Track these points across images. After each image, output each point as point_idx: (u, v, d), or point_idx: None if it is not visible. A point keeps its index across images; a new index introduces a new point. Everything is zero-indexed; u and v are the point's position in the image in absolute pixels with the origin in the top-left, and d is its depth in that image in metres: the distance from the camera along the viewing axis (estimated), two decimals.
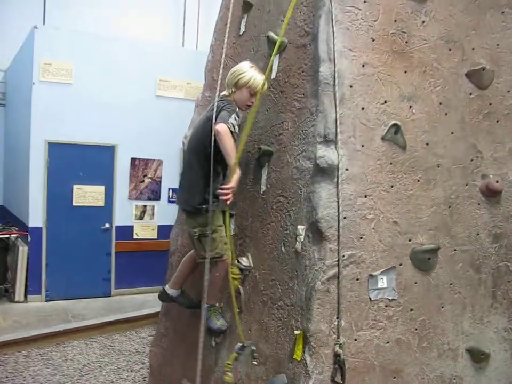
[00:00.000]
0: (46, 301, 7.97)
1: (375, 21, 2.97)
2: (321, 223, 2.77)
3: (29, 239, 7.92)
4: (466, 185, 3.15)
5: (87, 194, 8.23)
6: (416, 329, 2.95)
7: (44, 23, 9.55)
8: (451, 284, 3.07)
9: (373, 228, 2.86)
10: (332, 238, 2.77)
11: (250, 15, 3.86)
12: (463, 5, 3.20)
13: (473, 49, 3.22)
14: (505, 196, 3.25)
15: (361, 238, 2.83)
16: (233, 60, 3.90)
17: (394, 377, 2.87)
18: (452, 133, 3.12)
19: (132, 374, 5.45)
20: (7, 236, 8.11)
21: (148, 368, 5.17)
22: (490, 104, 3.25)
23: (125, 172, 8.52)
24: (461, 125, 3.15)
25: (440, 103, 3.10)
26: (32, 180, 7.86)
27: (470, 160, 3.18)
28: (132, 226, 8.67)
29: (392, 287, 2.89)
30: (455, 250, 3.09)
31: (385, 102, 2.95)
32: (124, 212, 8.56)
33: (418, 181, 3.01)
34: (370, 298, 2.84)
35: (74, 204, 8.15)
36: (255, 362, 3.17)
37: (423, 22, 3.09)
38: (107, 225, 8.42)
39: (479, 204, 3.19)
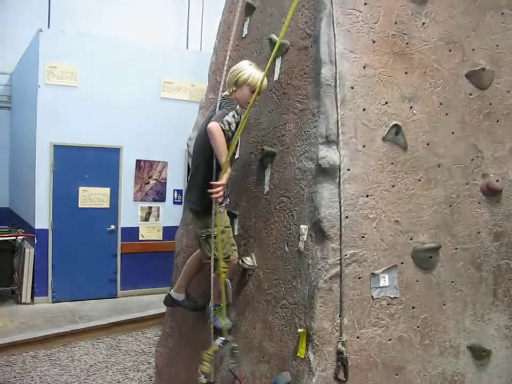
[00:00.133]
0: (53, 302, 8.04)
1: (375, 23, 3.02)
2: (323, 222, 2.81)
3: (35, 241, 7.99)
4: (467, 184, 3.19)
5: (92, 196, 8.29)
6: (418, 327, 2.98)
7: (48, 26, 9.62)
8: (452, 282, 3.11)
9: (375, 227, 2.90)
10: (334, 237, 2.81)
11: (253, 17, 3.91)
12: (463, 6, 3.24)
13: (473, 50, 3.25)
14: (506, 194, 3.28)
15: (363, 237, 2.87)
16: (236, 62, 3.94)
17: (397, 374, 2.91)
18: (453, 133, 3.16)
19: (138, 374, 5.50)
20: (14, 238, 8.16)
21: (154, 368, 5.22)
22: (490, 104, 3.28)
23: (130, 174, 8.59)
24: (461, 125, 3.19)
25: (441, 104, 3.14)
26: (38, 182, 7.93)
27: (471, 159, 3.21)
28: (138, 228, 8.73)
29: (394, 286, 2.93)
30: (456, 248, 3.13)
31: (386, 103, 2.99)
32: (129, 214, 8.62)
33: (419, 180, 3.04)
34: (372, 297, 2.88)
35: (80, 205, 8.22)
36: (232, 361, 3.26)
37: (423, 23, 3.13)
38: (113, 226, 8.48)
39: (479, 203, 3.22)
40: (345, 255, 2.82)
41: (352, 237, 2.85)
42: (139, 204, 8.74)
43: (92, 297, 8.23)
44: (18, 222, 8.98)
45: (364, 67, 2.96)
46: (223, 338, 3.33)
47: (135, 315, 7.24)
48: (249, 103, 3.33)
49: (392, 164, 2.97)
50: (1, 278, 7.90)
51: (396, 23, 3.06)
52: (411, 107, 3.05)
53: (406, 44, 3.07)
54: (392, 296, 2.92)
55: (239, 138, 3.29)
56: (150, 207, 8.83)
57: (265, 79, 3.29)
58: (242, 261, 3.44)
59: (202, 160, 3.37)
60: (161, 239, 8.85)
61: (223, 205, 3.37)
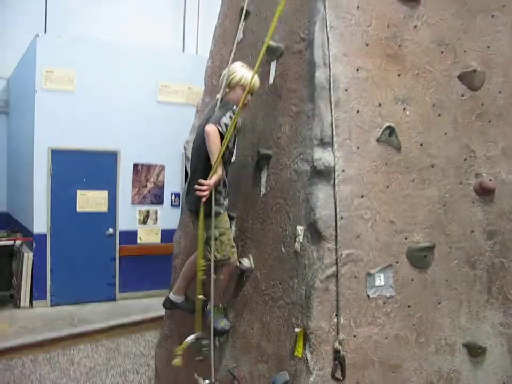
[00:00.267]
0: (51, 306, 8.07)
1: (368, 26, 3.06)
2: (319, 223, 2.85)
3: (34, 245, 8.02)
4: (460, 184, 3.24)
5: (90, 200, 8.32)
6: (413, 325, 3.03)
7: (45, 31, 9.66)
8: (447, 281, 3.15)
9: (370, 227, 2.94)
10: (330, 238, 2.85)
11: (248, 22, 3.95)
12: (454, 9, 3.28)
13: (464, 52, 3.30)
14: (499, 194, 3.33)
15: (358, 237, 2.91)
16: None
17: (393, 372, 2.95)
18: (445, 134, 3.21)
19: (138, 376, 5.54)
20: (12, 242, 8.19)
21: (153, 370, 5.25)
22: (482, 105, 3.33)
23: (127, 177, 8.63)
24: (454, 126, 3.24)
25: (433, 105, 3.18)
26: (36, 186, 7.96)
27: (464, 159, 3.26)
28: (136, 231, 8.77)
29: (390, 285, 2.97)
30: (450, 247, 3.17)
31: (380, 104, 3.03)
32: (127, 217, 8.66)
33: (413, 180, 3.09)
34: (368, 296, 2.92)
35: (78, 209, 8.25)
36: (200, 358, 3.41)
37: (415, 26, 3.18)
38: (111, 230, 8.51)
39: (473, 202, 3.27)
40: (341, 255, 2.86)
41: (348, 237, 2.89)
42: (137, 207, 8.78)
43: (90, 301, 8.26)
44: (16, 226, 9.02)
45: (358, 70, 3.00)
46: (195, 334, 3.45)
47: (134, 318, 7.27)
48: (244, 104, 3.38)
49: (386, 164, 3.02)
50: None
51: (388, 26, 3.10)
52: (404, 108, 3.10)
53: (399, 46, 3.12)
54: (387, 295, 2.96)
55: (230, 137, 3.31)
56: (148, 210, 8.87)
57: (258, 78, 3.33)
58: (240, 262, 3.48)
59: (200, 162, 3.40)
60: (159, 242, 8.89)
61: (222, 205, 3.41)
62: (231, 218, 3.62)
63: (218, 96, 3.47)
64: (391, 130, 3.02)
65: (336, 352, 2.80)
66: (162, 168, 8.89)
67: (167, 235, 8.51)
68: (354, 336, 2.87)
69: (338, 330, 2.83)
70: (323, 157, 2.89)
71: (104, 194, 8.45)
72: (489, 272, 3.29)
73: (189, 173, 3.88)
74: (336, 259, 2.85)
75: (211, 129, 3.17)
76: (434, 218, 3.13)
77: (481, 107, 3.33)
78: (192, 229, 3.53)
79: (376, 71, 3.04)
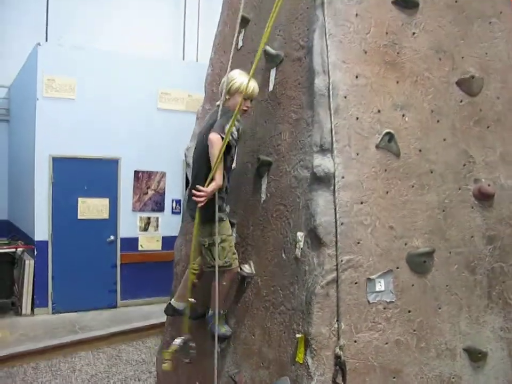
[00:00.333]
0: (53, 313, 8.05)
1: (367, 33, 3.09)
2: (319, 229, 2.87)
3: (35, 252, 8.02)
4: (459, 189, 3.26)
5: (91, 207, 8.33)
6: (414, 330, 3.04)
7: (46, 39, 9.71)
8: (447, 286, 3.17)
9: (370, 233, 2.96)
10: (330, 244, 2.87)
11: (248, 29, 3.99)
12: (452, 16, 3.32)
13: (462, 58, 3.33)
14: (498, 199, 3.35)
15: (358, 243, 2.93)
16: None
17: (394, 378, 2.96)
18: (444, 139, 3.23)
19: (139, 383, 5.53)
20: (13, 250, 8.20)
21: (155, 377, 5.26)
22: (480, 110, 3.36)
23: (128, 184, 8.64)
24: (452, 132, 3.26)
25: (432, 111, 3.21)
26: (37, 194, 7.97)
27: (463, 165, 3.28)
28: (137, 238, 8.77)
29: (390, 290, 2.99)
30: (450, 252, 3.19)
31: (379, 111, 3.06)
32: (128, 224, 8.66)
33: (413, 186, 3.11)
34: (368, 301, 2.93)
35: (79, 217, 8.26)
36: (187, 360, 3.54)
37: (414, 33, 3.21)
38: (112, 237, 8.52)
39: (472, 207, 3.29)
40: (341, 261, 2.88)
41: (348, 243, 2.91)
42: (138, 214, 8.79)
43: (92, 308, 8.24)
44: (17, 234, 9.02)
45: (356, 77, 3.03)
46: (182, 338, 3.54)
47: (136, 325, 7.27)
48: (243, 110, 3.41)
49: (385, 170, 3.04)
50: (1, 290, 7.91)
51: (386, 33, 3.14)
52: (403, 115, 3.12)
53: (397, 53, 3.15)
54: (388, 301, 2.98)
55: (233, 144, 3.34)
56: (149, 217, 8.88)
57: (256, 85, 3.38)
58: (241, 269, 3.49)
59: (202, 169, 3.42)
60: (160, 249, 8.88)
61: (225, 212, 3.44)
62: (232, 224, 3.64)
63: (218, 103, 3.50)
64: (390, 137, 3.04)
65: (337, 357, 2.81)
66: (163, 175, 8.91)
67: (168, 242, 8.52)
68: (355, 341, 2.88)
69: (339, 335, 2.84)
70: (323, 163, 2.91)
71: (105, 201, 8.46)
72: (489, 277, 3.31)
73: (190, 179, 3.91)
74: (337, 265, 2.86)
75: (215, 137, 3.20)
76: (433, 224, 3.15)
77: (480, 113, 3.36)
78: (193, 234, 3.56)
79: (375, 78, 3.07)
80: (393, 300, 2.99)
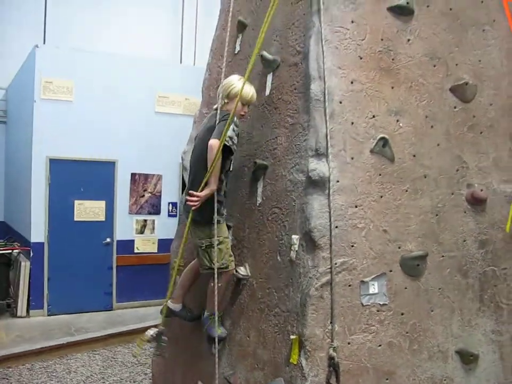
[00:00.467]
0: (48, 315, 8.06)
1: (362, 40, 3.14)
2: (314, 232, 2.92)
3: (31, 254, 8.03)
4: (453, 194, 3.30)
5: (88, 209, 8.36)
6: (407, 333, 3.08)
7: (44, 41, 9.75)
8: (440, 289, 3.21)
9: (364, 236, 3.01)
10: (324, 247, 2.91)
11: (245, 34, 4.03)
12: (446, 24, 3.37)
13: (456, 65, 3.38)
14: (490, 204, 3.40)
15: (352, 246, 2.97)
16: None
17: (387, 379, 3.00)
18: (438, 145, 3.28)
19: None
20: (9, 251, 8.22)
21: (150, 379, 5.28)
22: (474, 116, 3.41)
23: (125, 187, 8.67)
24: (446, 137, 3.31)
25: (426, 117, 3.26)
26: (34, 195, 8.00)
27: (456, 170, 3.33)
28: (133, 241, 8.80)
29: (383, 293, 3.03)
30: (442, 256, 3.23)
31: (374, 116, 3.11)
32: (125, 226, 8.69)
33: (406, 191, 3.15)
34: (362, 304, 2.97)
35: (75, 219, 8.28)
36: (158, 353, 3.88)
37: (409, 40, 3.26)
38: (108, 239, 8.54)
39: (465, 212, 3.34)
40: (336, 263, 2.92)
41: (342, 246, 2.95)
42: (134, 216, 8.82)
43: (87, 310, 8.27)
44: (13, 235, 9.05)
45: (352, 82, 3.08)
46: (158, 329, 3.75)
47: (131, 327, 7.28)
48: (241, 115, 3.46)
49: (380, 175, 3.08)
50: None
51: (382, 40, 3.19)
52: (397, 120, 3.17)
53: (392, 59, 3.20)
54: (381, 303, 3.02)
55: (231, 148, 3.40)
56: (145, 220, 8.91)
57: (254, 91, 3.45)
58: (237, 271, 3.53)
59: (200, 172, 3.46)
60: (156, 251, 8.91)
61: (222, 215, 3.48)
62: (228, 227, 3.68)
63: (216, 106, 3.54)
64: (384, 142, 3.09)
65: (331, 358, 2.84)
66: (159, 177, 8.94)
67: (164, 244, 8.56)
68: (349, 343, 2.92)
69: (333, 337, 2.88)
70: (318, 167, 2.95)
71: (101, 203, 8.48)
72: (481, 281, 3.35)
73: (186, 182, 3.95)
74: (331, 267, 2.90)
75: (215, 143, 3.24)
76: (427, 228, 3.20)
77: (473, 119, 3.41)
78: (190, 237, 3.60)
79: (370, 84, 3.12)
80: (387, 303, 3.03)
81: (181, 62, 11.09)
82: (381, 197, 3.08)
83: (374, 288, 3.00)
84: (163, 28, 11.21)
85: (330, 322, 2.89)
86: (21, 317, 7.88)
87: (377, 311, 3.01)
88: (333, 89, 3.03)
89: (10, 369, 5.84)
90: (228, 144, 3.30)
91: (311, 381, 2.83)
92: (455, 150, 3.34)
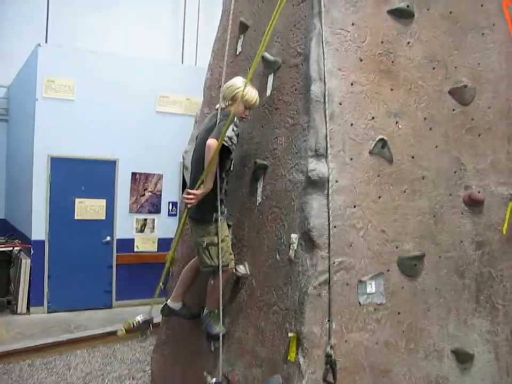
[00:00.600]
0: (48, 312, 8.09)
1: (363, 42, 3.18)
2: (313, 232, 2.95)
3: (32, 251, 8.05)
4: (450, 195, 3.34)
5: (88, 208, 8.39)
6: (403, 332, 3.12)
7: (46, 41, 9.77)
8: (436, 289, 3.25)
9: (362, 236, 3.04)
10: (323, 246, 2.95)
11: (247, 35, 4.07)
12: (446, 27, 3.41)
13: (455, 68, 3.42)
14: (487, 205, 3.44)
15: (350, 245, 3.01)
16: (231, 78, 4.09)
17: (383, 377, 3.04)
18: (436, 147, 3.32)
19: (134, 382, 5.59)
20: (10, 248, 8.25)
21: (149, 376, 5.31)
22: (472, 119, 3.45)
23: (125, 186, 8.69)
24: (444, 139, 3.35)
25: (425, 119, 3.30)
26: (35, 193, 8.02)
27: (454, 172, 3.37)
28: (133, 239, 8.82)
29: (381, 292, 3.07)
30: (440, 257, 3.27)
31: (373, 118, 3.14)
32: (125, 225, 8.71)
33: (405, 192, 3.19)
34: (359, 302, 3.01)
35: (76, 217, 8.31)
36: (141, 338, 3.81)
37: (408, 43, 3.30)
38: (108, 238, 8.57)
39: (462, 213, 3.38)
40: (334, 262, 2.95)
41: (340, 245, 2.99)
42: (134, 215, 8.84)
43: (87, 308, 8.28)
44: (14, 233, 9.07)
45: (352, 84, 3.12)
46: (145, 317, 3.93)
47: None
48: (242, 117, 3.49)
49: (378, 176, 3.12)
50: None
51: (382, 42, 3.22)
52: (397, 122, 3.21)
53: (392, 62, 3.23)
54: (378, 302, 3.05)
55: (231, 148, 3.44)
56: (145, 219, 8.93)
57: (257, 96, 3.46)
58: (236, 269, 3.56)
59: (200, 172, 3.49)
60: (156, 250, 8.93)
61: (223, 213, 3.51)
62: (228, 226, 3.72)
63: (218, 106, 3.57)
64: (383, 143, 3.13)
65: (328, 356, 2.88)
66: (160, 177, 8.97)
67: (163, 244, 8.59)
68: (346, 341, 2.95)
69: (330, 335, 2.91)
70: (317, 168, 2.99)
71: (102, 202, 8.51)
72: (477, 281, 3.39)
73: (187, 182, 3.99)
74: (329, 266, 2.94)
75: (213, 143, 3.27)
76: (424, 229, 3.24)
77: (471, 121, 3.45)
78: (191, 235, 3.63)
79: (370, 86, 3.16)
80: (384, 302, 3.07)
81: (182, 62, 11.12)
82: (379, 197, 3.12)
83: (371, 287, 3.04)
84: (165, 28, 11.24)
85: (328, 321, 2.92)
86: (21, 314, 7.91)
87: (374, 310, 3.05)
88: (333, 91, 3.06)
89: (11, 365, 5.87)
90: (227, 144, 3.32)
91: (308, 378, 2.87)
92: (453, 152, 3.38)
